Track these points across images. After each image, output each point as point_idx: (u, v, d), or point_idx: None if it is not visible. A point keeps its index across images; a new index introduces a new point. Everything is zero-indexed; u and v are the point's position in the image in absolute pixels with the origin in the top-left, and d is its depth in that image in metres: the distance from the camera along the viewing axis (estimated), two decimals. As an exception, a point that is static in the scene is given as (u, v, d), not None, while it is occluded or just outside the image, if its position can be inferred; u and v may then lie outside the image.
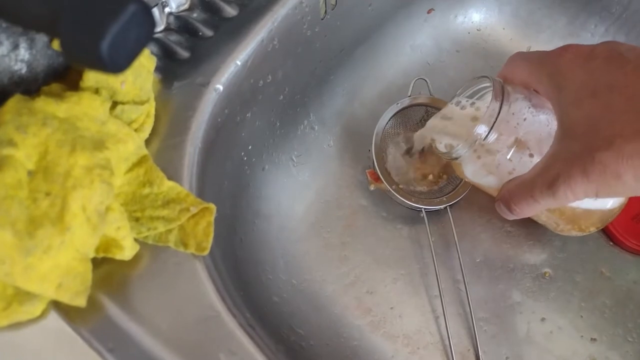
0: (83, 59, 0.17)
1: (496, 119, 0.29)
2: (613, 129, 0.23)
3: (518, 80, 0.31)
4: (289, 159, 0.43)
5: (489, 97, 0.32)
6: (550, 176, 0.26)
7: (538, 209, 0.28)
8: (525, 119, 0.30)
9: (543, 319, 0.39)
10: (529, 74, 0.29)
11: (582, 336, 0.39)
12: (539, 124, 0.30)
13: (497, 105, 0.29)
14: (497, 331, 0.39)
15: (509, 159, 0.30)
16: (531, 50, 0.48)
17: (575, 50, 0.26)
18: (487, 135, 0.30)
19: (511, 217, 0.30)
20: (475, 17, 0.49)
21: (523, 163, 0.30)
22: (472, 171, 0.33)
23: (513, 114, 0.30)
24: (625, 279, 0.41)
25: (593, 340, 0.39)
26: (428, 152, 0.42)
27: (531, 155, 0.30)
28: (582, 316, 0.39)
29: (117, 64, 0.17)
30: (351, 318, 0.39)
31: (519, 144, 0.30)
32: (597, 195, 0.25)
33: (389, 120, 0.42)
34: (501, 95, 0.30)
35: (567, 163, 0.25)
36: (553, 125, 0.30)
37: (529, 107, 0.30)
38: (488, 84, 0.32)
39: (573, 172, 0.24)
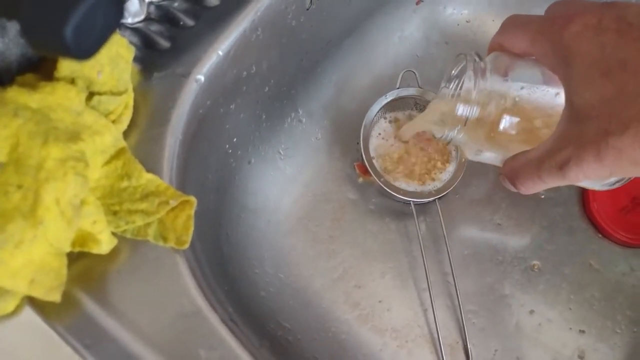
0: (46, 44, 0.16)
1: (473, 95, 0.29)
2: (628, 112, 0.22)
3: (517, 49, 0.29)
4: (276, 152, 0.42)
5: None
6: (560, 158, 0.25)
7: (545, 188, 0.27)
8: (512, 90, 0.29)
9: (532, 312, 0.39)
10: (531, 44, 0.27)
11: (570, 328, 0.39)
12: (530, 93, 0.29)
13: (472, 82, 0.29)
14: (486, 324, 0.39)
15: (501, 131, 0.29)
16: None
17: (581, 20, 0.25)
18: (468, 114, 0.29)
19: (516, 191, 0.30)
20: (464, 9, 0.49)
21: (517, 135, 0.29)
22: (470, 150, 0.33)
23: (498, 86, 0.29)
24: (614, 271, 0.41)
25: (582, 332, 0.39)
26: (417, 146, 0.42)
27: (525, 127, 0.29)
28: (570, 308, 0.39)
29: (83, 50, 0.16)
30: (339, 312, 0.39)
31: (510, 117, 0.29)
32: (610, 176, 0.24)
33: (378, 112, 0.42)
34: (473, 71, 0.29)
35: (578, 146, 0.24)
36: (548, 92, 0.29)
37: (516, 77, 0.29)
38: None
39: (585, 156, 0.24)
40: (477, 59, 0.30)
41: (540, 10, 0.48)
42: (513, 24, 0.29)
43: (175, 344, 0.25)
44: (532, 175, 0.27)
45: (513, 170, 0.28)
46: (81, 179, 0.23)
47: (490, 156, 0.32)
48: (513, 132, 0.29)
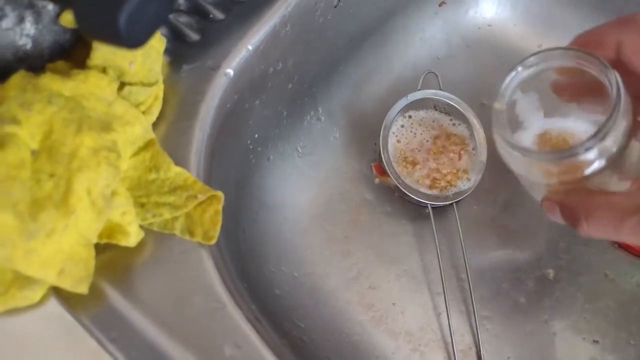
0: (98, 31, 0.16)
1: (605, 136, 0.23)
2: None
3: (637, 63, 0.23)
4: (294, 150, 0.42)
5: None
6: None
7: (611, 238, 0.25)
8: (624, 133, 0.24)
9: (546, 320, 0.39)
10: None
11: (584, 338, 0.39)
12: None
13: (612, 119, 0.23)
14: (500, 331, 0.39)
15: (587, 175, 0.25)
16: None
17: None
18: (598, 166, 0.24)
19: (562, 223, 0.27)
20: (486, 13, 0.48)
21: (596, 178, 0.25)
22: (531, 168, 0.27)
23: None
24: (629, 282, 0.40)
25: (595, 342, 0.39)
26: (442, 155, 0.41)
27: (610, 173, 0.25)
28: (585, 318, 0.39)
29: (135, 39, 0.16)
30: (353, 313, 0.39)
31: (609, 160, 0.24)
32: None
33: (398, 113, 0.41)
34: (619, 103, 0.23)
35: None
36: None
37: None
38: (594, 69, 0.24)
39: None
40: (618, 81, 0.23)
41: (560, 18, 0.48)
42: None
43: (201, 340, 0.24)
44: (610, 223, 0.24)
45: (587, 207, 0.25)
46: (113, 170, 0.23)
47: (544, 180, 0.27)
48: (598, 176, 0.25)
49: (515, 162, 0.28)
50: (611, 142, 0.24)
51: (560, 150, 0.25)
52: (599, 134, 0.23)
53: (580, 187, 0.26)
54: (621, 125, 0.24)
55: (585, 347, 0.39)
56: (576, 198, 0.26)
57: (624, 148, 0.24)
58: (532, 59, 0.26)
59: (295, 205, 0.41)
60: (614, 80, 0.23)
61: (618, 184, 0.26)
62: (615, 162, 0.24)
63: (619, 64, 0.24)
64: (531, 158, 0.26)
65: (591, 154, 0.24)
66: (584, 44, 0.25)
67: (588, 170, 0.24)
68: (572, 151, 0.24)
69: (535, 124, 0.28)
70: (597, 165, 0.24)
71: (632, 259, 0.41)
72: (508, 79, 0.27)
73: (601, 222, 0.24)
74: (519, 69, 0.27)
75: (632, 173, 0.25)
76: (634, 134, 0.24)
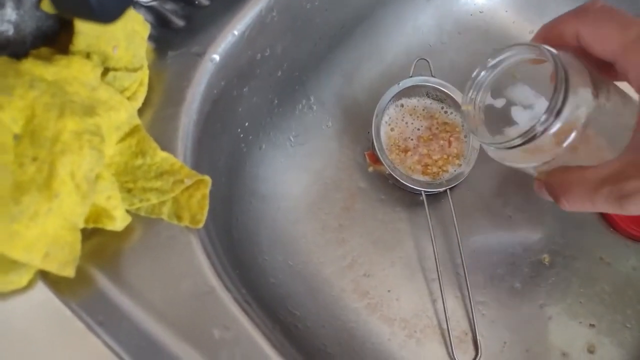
0: (71, 6, 0.16)
1: (560, 112, 0.24)
2: None
3: (598, 49, 0.24)
4: (287, 139, 0.42)
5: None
6: (624, 189, 0.23)
7: (592, 211, 0.25)
8: (587, 106, 0.24)
9: (542, 305, 0.39)
10: (622, 51, 0.23)
11: (580, 322, 0.39)
12: (604, 112, 0.25)
13: (561, 95, 0.24)
14: (496, 316, 0.39)
15: (565, 147, 0.25)
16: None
17: None
18: (547, 129, 0.25)
19: (550, 200, 0.27)
20: (478, -1, 0.48)
21: (576, 151, 0.26)
22: (512, 155, 0.28)
23: (575, 99, 0.24)
24: (625, 265, 0.40)
25: (592, 326, 0.39)
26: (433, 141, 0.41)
27: (588, 145, 0.25)
28: (581, 302, 0.39)
29: (108, 12, 0.16)
30: (348, 301, 0.39)
31: (579, 133, 0.25)
32: None
33: (390, 100, 0.41)
34: (565, 82, 0.24)
35: None
36: (625, 116, 0.25)
37: (594, 91, 0.25)
38: (532, 56, 0.26)
39: None
40: (559, 62, 0.24)
41: (552, 2, 0.48)
42: (604, 17, 0.24)
43: (189, 323, 0.24)
44: (584, 197, 0.25)
45: (563, 184, 0.26)
46: (97, 153, 0.23)
47: (530, 165, 0.28)
48: (576, 148, 0.25)
49: (495, 154, 0.30)
50: (576, 111, 0.24)
51: (521, 135, 0.26)
52: (551, 111, 0.24)
53: (563, 165, 0.26)
54: (581, 92, 0.24)
55: (582, 330, 0.38)
56: (556, 176, 0.26)
57: (599, 108, 0.25)
58: (489, 60, 0.29)
59: (289, 194, 0.41)
60: (548, 55, 0.24)
61: (610, 149, 0.26)
62: (599, 125, 0.25)
63: (581, 51, 0.26)
64: (498, 148, 0.27)
65: (554, 129, 0.25)
66: (547, 36, 0.27)
67: (566, 143, 0.25)
68: (530, 133, 0.25)
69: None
70: (573, 135, 0.25)
71: (626, 242, 0.41)
72: (471, 81, 0.29)
73: (577, 197, 0.25)
74: (478, 70, 0.29)
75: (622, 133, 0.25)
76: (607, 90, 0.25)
